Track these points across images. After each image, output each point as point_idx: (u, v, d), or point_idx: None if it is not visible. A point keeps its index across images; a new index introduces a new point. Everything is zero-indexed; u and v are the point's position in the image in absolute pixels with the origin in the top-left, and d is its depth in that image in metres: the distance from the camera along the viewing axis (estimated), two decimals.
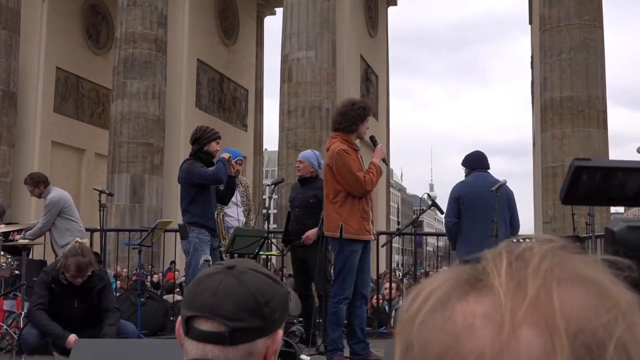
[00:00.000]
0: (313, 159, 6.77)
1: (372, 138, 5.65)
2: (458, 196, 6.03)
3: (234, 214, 6.93)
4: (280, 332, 1.21)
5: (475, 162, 6.18)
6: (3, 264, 6.70)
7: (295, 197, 6.84)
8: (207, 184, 5.98)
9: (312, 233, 6.48)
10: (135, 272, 12.98)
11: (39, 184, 7.54)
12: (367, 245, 5.53)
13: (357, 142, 5.67)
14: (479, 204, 5.90)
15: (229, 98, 22.48)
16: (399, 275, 15.19)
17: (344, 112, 5.43)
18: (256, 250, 6.36)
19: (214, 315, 1.14)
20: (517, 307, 0.44)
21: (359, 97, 16.96)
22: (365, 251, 5.51)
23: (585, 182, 0.68)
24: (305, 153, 6.95)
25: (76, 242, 5.12)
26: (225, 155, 6.13)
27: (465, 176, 6.16)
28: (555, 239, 0.48)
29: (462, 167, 6.26)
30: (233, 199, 6.78)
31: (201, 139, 6.11)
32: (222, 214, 6.37)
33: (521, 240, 0.49)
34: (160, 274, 14.23)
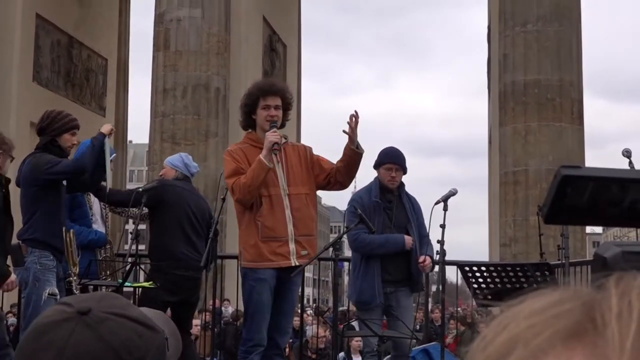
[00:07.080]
0: (177, 161, 7.07)
1: (272, 124, 5.56)
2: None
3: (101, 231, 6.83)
4: None
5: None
6: None
7: None
8: (61, 179, 5.86)
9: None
10: None
11: None
12: (286, 275, 5.42)
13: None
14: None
15: (80, 70, 22.15)
16: (310, 315, 15.37)
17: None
18: (120, 281, 6.32)
19: None
20: None
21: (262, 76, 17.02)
22: (285, 284, 5.47)
23: (571, 197, 0.72)
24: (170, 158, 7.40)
25: None
26: (105, 129, 6.07)
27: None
28: None
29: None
30: (97, 211, 6.72)
31: (49, 129, 5.97)
32: (72, 230, 6.29)
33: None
34: None
